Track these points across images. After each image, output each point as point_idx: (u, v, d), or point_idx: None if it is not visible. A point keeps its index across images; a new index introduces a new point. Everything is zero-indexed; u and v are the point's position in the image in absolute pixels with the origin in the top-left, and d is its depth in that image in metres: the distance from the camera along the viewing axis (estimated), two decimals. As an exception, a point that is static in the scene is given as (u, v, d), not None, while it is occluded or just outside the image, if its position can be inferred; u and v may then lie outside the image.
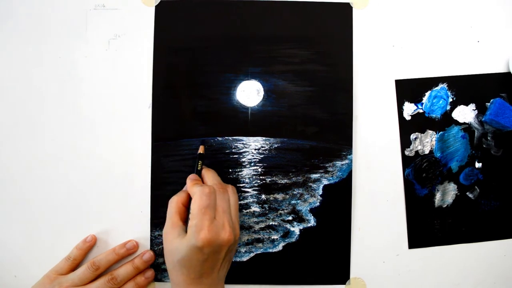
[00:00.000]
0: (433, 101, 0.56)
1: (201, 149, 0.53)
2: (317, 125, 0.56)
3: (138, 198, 0.55)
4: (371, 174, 0.56)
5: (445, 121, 0.56)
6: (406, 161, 0.56)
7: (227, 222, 0.46)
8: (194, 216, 0.45)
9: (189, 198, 0.48)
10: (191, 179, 0.49)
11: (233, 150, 0.56)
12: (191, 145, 0.55)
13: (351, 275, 0.56)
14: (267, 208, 0.56)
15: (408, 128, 0.56)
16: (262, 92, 0.56)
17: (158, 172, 0.55)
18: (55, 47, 0.56)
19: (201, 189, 0.46)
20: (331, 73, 0.56)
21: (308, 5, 0.56)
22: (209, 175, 0.50)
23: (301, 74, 0.56)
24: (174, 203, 0.48)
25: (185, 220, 0.48)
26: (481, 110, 0.57)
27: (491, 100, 0.56)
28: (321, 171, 0.56)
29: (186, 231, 0.46)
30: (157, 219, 0.55)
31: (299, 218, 0.56)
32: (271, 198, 0.56)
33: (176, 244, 0.45)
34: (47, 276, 0.53)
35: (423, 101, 0.56)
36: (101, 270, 0.53)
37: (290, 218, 0.56)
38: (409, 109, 0.56)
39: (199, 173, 0.51)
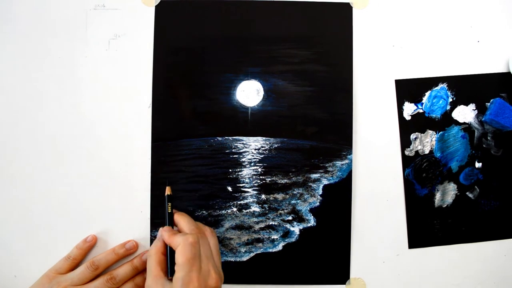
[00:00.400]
0: (433, 101, 0.56)
1: (168, 190, 0.51)
2: (317, 125, 0.56)
3: (138, 198, 0.55)
4: (371, 174, 0.56)
5: (445, 121, 0.56)
6: (406, 161, 0.56)
7: (213, 269, 0.45)
8: (181, 268, 0.44)
9: (166, 246, 0.48)
10: (166, 230, 0.48)
11: (233, 150, 0.56)
12: (191, 145, 0.55)
13: (351, 275, 0.56)
14: (267, 208, 0.56)
15: (408, 128, 0.56)
16: (262, 92, 0.56)
17: (158, 172, 0.55)
18: (55, 47, 0.56)
19: (185, 239, 0.45)
20: (331, 73, 0.56)
21: (308, 5, 0.56)
22: (184, 221, 0.49)
23: (301, 74, 0.56)
24: (154, 255, 0.47)
25: (165, 270, 0.47)
26: (481, 110, 0.57)
27: (491, 100, 0.56)
28: (321, 171, 0.56)
29: (169, 280, 0.45)
30: (157, 219, 0.55)
31: (299, 218, 0.56)
32: (271, 198, 0.56)
33: None
34: (46, 275, 0.53)
35: (423, 101, 0.56)
36: (100, 270, 0.53)
37: (290, 218, 0.56)
38: (409, 109, 0.56)
39: (170, 216, 0.50)
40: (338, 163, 0.56)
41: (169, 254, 0.47)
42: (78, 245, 0.54)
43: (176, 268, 0.45)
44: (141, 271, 0.54)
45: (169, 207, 0.50)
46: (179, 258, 0.45)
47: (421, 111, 0.56)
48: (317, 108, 0.56)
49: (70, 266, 0.53)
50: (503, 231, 0.57)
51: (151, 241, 0.55)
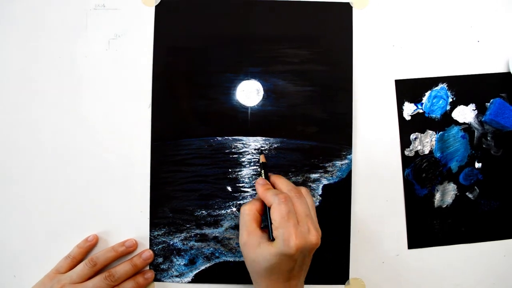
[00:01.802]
0: (433, 101, 0.56)
1: (262, 158, 0.53)
2: (317, 125, 0.56)
3: (137, 198, 0.55)
4: (371, 174, 0.56)
5: (445, 121, 0.56)
6: (406, 161, 0.56)
7: (312, 225, 0.46)
8: (279, 224, 0.45)
9: (263, 206, 0.48)
10: (260, 184, 0.49)
11: (233, 150, 0.56)
12: (191, 145, 0.55)
13: (351, 275, 0.56)
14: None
15: (408, 128, 0.56)
16: (262, 92, 0.56)
17: (158, 172, 0.55)
18: (55, 47, 0.56)
19: (278, 198, 0.46)
20: (331, 73, 0.56)
21: (308, 5, 0.56)
22: (281, 182, 0.49)
23: (301, 74, 0.56)
24: (249, 211, 0.48)
25: (260, 227, 0.47)
26: (481, 110, 0.57)
27: (491, 100, 0.56)
28: (320, 171, 0.56)
29: (267, 239, 0.46)
30: (157, 219, 0.55)
31: (298, 218, 0.56)
32: (271, 198, 0.56)
33: (261, 252, 0.45)
34: (47, 275, 0.53)
35: (423, 101, 0.56)
36: (98, 266, 0.53)
37: (289, 218, 0.56)
38: (409, 109, 0.56)
39: (266, 177, 0.51)
40: (338, 163, 0.56)
41: (269, 214, 0.47)
42: (79, 244, 0.54)
43: (273, 225, 0.45)
44: (141, 269, 0.54)
45: (263, 173, 0.51)
46: (275, 214, 0.45)
47: (421, 111, 0.56)
48: (317, 108, 0.56)
49: (70, 265, 0.53)
50: (503, 231, 0.57)
51: (151, 241, 0.55)
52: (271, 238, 0.46)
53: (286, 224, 0.44)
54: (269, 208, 0.46)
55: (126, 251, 0.54)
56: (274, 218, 0.45)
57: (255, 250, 0.45)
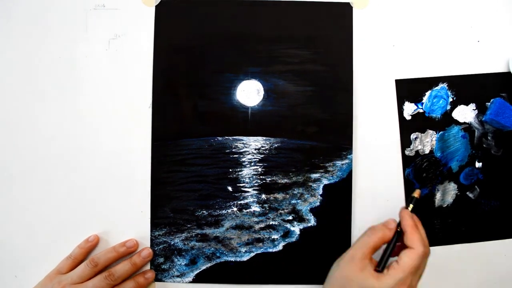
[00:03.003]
0: (433, 101, 0.56)
1: (417, 194, 0.51)
2: (317, 125, 0.56)
3: (138, 198, 0.55)
4: (371, 173, 0.56)
5: (445, 121, 0.56)
6: (406, 160, 0.56)
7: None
8: (400, 270, 0.43)
9: (392, 237, 0.47)
10: (410, 216, 0.47)
11: (233, 150, 0.56)
12: (191, 145, 0.55)
13: (351, 275, 0.56)
14: (267, 208, 0.56)
15: (408, 128, 0.56)
16: (262, 92, 0.56)
17: (158, 172, 0.55)
18: (55, 47, 0.56)
19: (421, 246, 0.44)
20: (331, 73, 0.56)
21: (308, 5, 0.56)
22: (422, 232, 0.47)
23: (301, 74, 0.56)
24: (382, 236, 0.46)
25: (371, 256, 0.46)
26: (481, 110, 0.57)
27: (491, 100, 0.56)
28: (321, 170, 0.56)
29: (373, 267, 0.45)
30: (157, 219, 0.55)
31: (299, 217, 0.56)
32: (271, 198, 0.56)
33: (362, 277, 0.44)
34: (48, 275, 0.53)
35: (423, 101, 0.56)
36: (99, 267, 0.52)
37: (290, 217, 0.56)
38: (409, 108, 0.56)
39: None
40: (338, 163, 0.56)
41: (391, 247, 0.46)
42: (80, 245, 0.54)
43: (394, 265, 0.44)
44: (140, 268, 0.54)
45: (411, 207, 0.50)
46: (405, 259, 0.44)
47: (421, 111, 0.56)
48: (317, 108, 0.56)
49: (71, 265, 0.53)
50: (503, 231, 0.57)
51: (151, 241, 0.55)
52: (379, 268, 0.44)
53: (409, 276, 0.43)
54: (404, 246, 0.45)
55: (127, 251, 0.54)
56: (401, 259, 0.44)
57: (357, 271, 0.44)
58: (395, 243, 0.47)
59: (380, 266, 0.45)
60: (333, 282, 0.46)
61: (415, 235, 0.46)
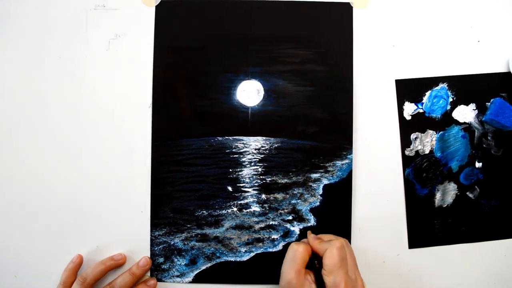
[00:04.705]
0: (433, 101, 0.56)
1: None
2: (317, 125, 0.56)
3: (138, 198, 0.55)
4: (371, 173, 0.56)
5: (445, 121, 0.56)
6: (406, 160, 0.56)
7: (359, 277, 0.47)
8: (331, 270, 0.45)
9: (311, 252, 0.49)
10: (313, 237, 0.50)
11: (233, 150, 0.56)
12: (191, 145, 0.55)
13: (351, 275, 0.56)
14: (267, 208, 0.56)
15: (408, 128, 0.56)
16: (262, 92, 0.56)
17: (158, 172, 0.55)
18: (56, 47, 0.56)
19: (332, 244, 0.47)
20: (331, 73, 0.56)
21: (308, 5, 0.56)
22: (324, 237, 0.51)
23: (301, 74, 0.56)
24: (303, 250, 0.48)
25: (305, 269, 0.48)
26: (481, 110, 0.57)
27: (491, 100, 0.56)
28: (321, 170, 0.56)
29: (311, 282, 0.47)
30: (157, 219, 0.55)
31: (299, 217, 0.56)
32: (271, 198, 0.56)
33: None
34: None
35: (423, 101, 0.56)
36: (88, 281, 0.52)
37: (290, 217, 0.56)
38: (410, 109, 0.56)
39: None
40: (338, 163, 0.56)
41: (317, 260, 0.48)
42: (66, 268, 0.53)
43: (324, 272, 0.46)
44: (140, 277, 0.54)
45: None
46: (327, 261, 0.46)
47: (421, 111, 0.56)
48: (317, 108, 0.56)
49: None
50: (503, 231, 0.57)
51: (151, 241, 0.55)
52: (317, 283, 0.46)
53: (338, 271, 0.45)
54: (320, 255, 0.47)
55: (115, 264, 0.54)
56: (326, 263, 0.46)
57: None
58: (319, 271, 0.48)
59: (316, 280, 0.47)
60: None
61: (320, 244, 0.48)
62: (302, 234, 0.56)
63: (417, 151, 0.56)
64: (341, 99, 0.56)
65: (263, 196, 0.56)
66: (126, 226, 0.55)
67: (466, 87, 0.56)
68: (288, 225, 0.56)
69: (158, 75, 0.56)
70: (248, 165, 0.56)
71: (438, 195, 0.57)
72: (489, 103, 0.56)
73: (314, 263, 0.49)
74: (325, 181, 0.56)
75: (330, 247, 0.47)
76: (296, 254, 0.48)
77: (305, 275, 0.47)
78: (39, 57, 0.56)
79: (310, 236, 0.51)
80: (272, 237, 0.56)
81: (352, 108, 0.56)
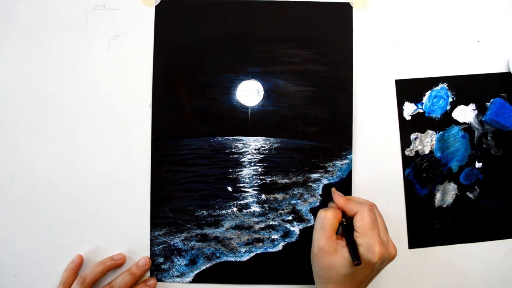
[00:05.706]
0: (433, 101, 0.56)
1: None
2: (317, 125, 0.56)
3: (138, 198, 0.55)
4: (371, 174, 0.56)
5: (445, 121, 0.56)
6: (406, 161, 0.56)
7: (390, 239, 0.47)
8: (364, 233, 0.45)
9: (342, 216, 0.49)
10: (339, 194, 0.50)
11: (233, 150, 0.56)
12: (191, 145, 0.55)
13: (351, 275, 0.56)
14: (267, 208, 0.56)
15: (408, 128, 0.56)
16: (262, 92, 0.56)
17: (158, 172, 0.55)
18: (55, 47, 0.56)
19: (362, 205, 0.47)
20: (331, 73, 0.56)
21: (308, 5, 0.56)
22: (354, 198, 0.50)
23: (301, 74, 0.56)
24: (331, 216, 0.47)
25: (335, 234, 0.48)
26: (481, 110, 0.57)
27: (491, 100, 0.56)
28: (321, 171, 0.56)
29: (343, 246, 0.46)
30: (157, 219, 0.55)
31: (299, 217, 0.56)
32: (271, 198, 0.56)
33: (339, 259, 0.45)
34: None
35: (423, 101, 0.56)
36: (88, 281, 0.52)
37: (290, 217, 0.56)
38: (409, 109, 0.56)
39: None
40: (338, 163, 0.56)
41: (349, 238, 0.47)
42: (66, 268, 0.54)
43: (356, 234, 0.45)
44: (140, 277, 0.54)
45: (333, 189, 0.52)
46: (359, 223, 0.46)
47: (421, 111, 0.56)
48: (317, 108, 0.56)
49: None
50: (503, 231, 0.57)
51: (151, 241, 0.55)
52: (358, 261, 0.45)
53: (371, 232, 0.45)
54: (351, 217, 0.47)
55: (115, 264, 0.54)
56: (358, 226, 0.46)
57: (332, 256, 0.46)
58: (350, 233, 0.47)
59: (356, 260, 0.46)
60: (320, 277, 0.47)
61: (349, 202, 0.48)
62: (302, 234, 0.56)
63: (417, 151, 0.56)
64: (341, 99, 0.56)
65: (263, 196, 0.56)
66: (126, 226, 0.55)
67: (466, 87, 0.56)
68: (288, 225, 0.56)
69: (158, 75, 0.56)
70: (248, 165, 0.56)
71: (438, 195, 0.57)
72: (489, 103, 0.56)
73: (342, 220, 0.48)
74: (325, 181, 0.56)
75: (361, 208, 0.46)
76: (325, 221, 0.47)
77: (336, 240, 0.47)
78: (39, 57, 0.56)
79: (336, 194, 0.50)
80: (272, 237, 0.56)
81: (352, 108, 0.56)
